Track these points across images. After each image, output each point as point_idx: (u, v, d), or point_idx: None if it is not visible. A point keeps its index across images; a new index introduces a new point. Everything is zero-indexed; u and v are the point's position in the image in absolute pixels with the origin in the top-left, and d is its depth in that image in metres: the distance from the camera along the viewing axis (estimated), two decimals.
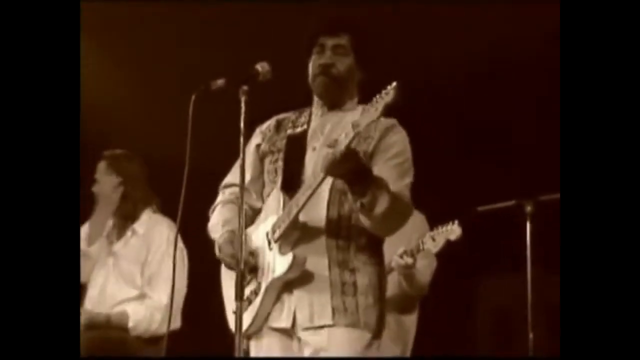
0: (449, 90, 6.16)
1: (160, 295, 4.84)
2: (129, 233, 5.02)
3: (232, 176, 3.66)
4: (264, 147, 3.59)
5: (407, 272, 4.70)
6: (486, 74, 5.93)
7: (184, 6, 5.77)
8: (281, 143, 3.54)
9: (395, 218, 3.34)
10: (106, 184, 5.07)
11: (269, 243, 3.40)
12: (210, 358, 5.81)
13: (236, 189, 3.56)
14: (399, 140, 3.44)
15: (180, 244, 4.86)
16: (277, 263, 3.34)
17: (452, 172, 5.90)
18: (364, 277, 3.34)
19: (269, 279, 3.35)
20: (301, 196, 3.28)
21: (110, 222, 5.10)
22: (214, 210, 3.66)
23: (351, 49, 3.46)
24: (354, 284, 3.32)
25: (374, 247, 3.42)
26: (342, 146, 3.11)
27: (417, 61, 5.92)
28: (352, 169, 3.18)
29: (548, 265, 4.52)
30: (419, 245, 4.65)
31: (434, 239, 4.64)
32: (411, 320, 4.93)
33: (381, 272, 3.43)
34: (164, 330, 4.75)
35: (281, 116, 3.66)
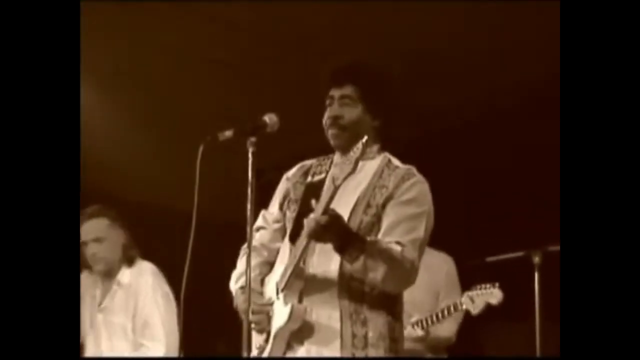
0: (454, 138, 6.18)
1: (155, 344, 4.76)
2: (114, 287, 4.93)
3: (262, 220, 3.65)
4: (290, 196, 3.58)
5: (419, 343, 4.72)
6: (489, 121, 5.97)
7: (191, 53, 5.81)
8: (300, 191, 3.54)
9: (392, 283, 3.31)
10: (113, 240, 4.96)
11: (277, 292, 3.41)
12: (211, 358, 5.77)
13: (264, 233, 3.61)
14: (413, 187, 3.39)
15: (166, 288, 4.86)
16: (281, 313, 3.34)
17: (461, 222, 5.90)
18: (375, 329, 3.31)
19: (276, 328, 3.36)
20: (299, 246, 3.29)
21: (90, 279, 5.01)
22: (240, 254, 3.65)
23: (358, 98, 3.44)
24: (365, 337, 3.30)
25: (388, 297, 3.38)
26: (320, 209, 3.15)
27: (421, 110, 5.96)
28: (337, 234, 3.19)
29: (557, 316, 4.50)
30: (443, 310, 4.65)
31: (472, 300, 4.63)
32: None
33: (394, 322, 3.39)
34: None
35: (307, 163, 3.64)
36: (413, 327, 4.67)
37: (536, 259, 4.65)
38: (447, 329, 4.85)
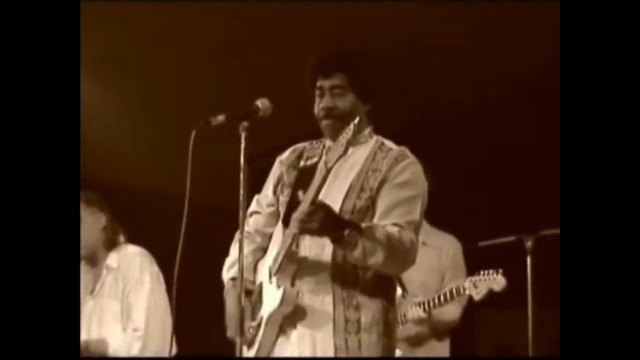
0: (449, 123, 6.19)
1: (138, 324, 4.73)
2: (104, 271, 4.88)
3: (256, 204, 3.66)
4: (284, 180, 3.57)
5: (421, 325, 4.72)
6: (488, 106, 5.98)
7: (184, 40, 5.80)
8: (293, 176, 3.54)
9: (393, 265, 3.33)
10: (92, 224, 4.88)
11: (270, 276, 3.40)
12: (210, 358, 5.79)
13: (258, 217, 3.61)
14: (406, 169, 3.39)
15: (155, 269, 4.82)
16: (273, 297, 3.34)
17: (454, 206, 5.91)
18: (368, 313, 3.32)
19: (268, 312, 3.36)
20: (292, 229, 3.28)
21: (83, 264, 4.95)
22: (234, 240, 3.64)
23: (349, 86, 3.43)
24: (358, 321, 3.30)
25: (381, 280, 3.39)
26: (309, 199, 3.16)
27: (417, 95, 5.97)
28: (326, 225, 3.19)
29: (549, 300, 4.52)
30: (446, 294, 4.65)
31: (475, 286, 4.63)
32: (444, 346, 4.96)
33: (388, 306, 3.39)
34: (145, 355, 4.71)
35: (299, 146, 3.65)
36: (415, 308, 4.66)
37: (529, 244, 4.66)
38: (451, 313, 4.85)
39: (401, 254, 3.29)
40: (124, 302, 4.81)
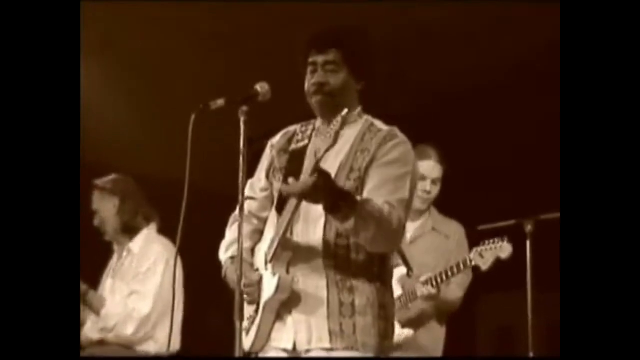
0: (448, 106, 6.18)
1: (139, 307, 4.78)
2: (125, 253, 4.98)
3: (250, 189, 3.64)
4: (275, 164, 3.56)
5: (431, 302, 4.69)
6: (489, 88, 5.97)
7: (184, 25, 5.80)
8: (284, 159, 3.52)
9: (381, 243, 3.30)
10: (106, 209, 4.98)
11: (266, 263, 3.40)
12: (209, 358, 5.81)
13: (252, 203, 3.59)
14: (395, 148, 3.37)
15: (172, 262, 4.76)
16: (269, 284, 3.34)
17: (454, 190, 5.92)
18: (362, 296, 3.30)
19: (265, 299, 3.35)
20: (286, 216, 3.27)
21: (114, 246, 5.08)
22: (229, 223, 3.64)
23: (343, 62, 3.40)
24: (352, 304, 3.29)
25: (375, 263, 3.37)
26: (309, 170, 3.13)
27: (418, 76, 5.96)
28: (328, 192, 3.14)
29: (548, 284, 4.51)
30: (453, 267, 4.61)
31: (482, 255, 4.55)
32: (443, 331, 4.93)
33: (383, 289, 3.38)
34: (132, 340, 4.76)
35: (291, 129, 3.62)
36: (424, 285, 4.62)
37: (528, 227, 4.65)
38: (453, 292, 4.81)
39: (389, 232, 3.25)
40: (131, 285, 4.83)
